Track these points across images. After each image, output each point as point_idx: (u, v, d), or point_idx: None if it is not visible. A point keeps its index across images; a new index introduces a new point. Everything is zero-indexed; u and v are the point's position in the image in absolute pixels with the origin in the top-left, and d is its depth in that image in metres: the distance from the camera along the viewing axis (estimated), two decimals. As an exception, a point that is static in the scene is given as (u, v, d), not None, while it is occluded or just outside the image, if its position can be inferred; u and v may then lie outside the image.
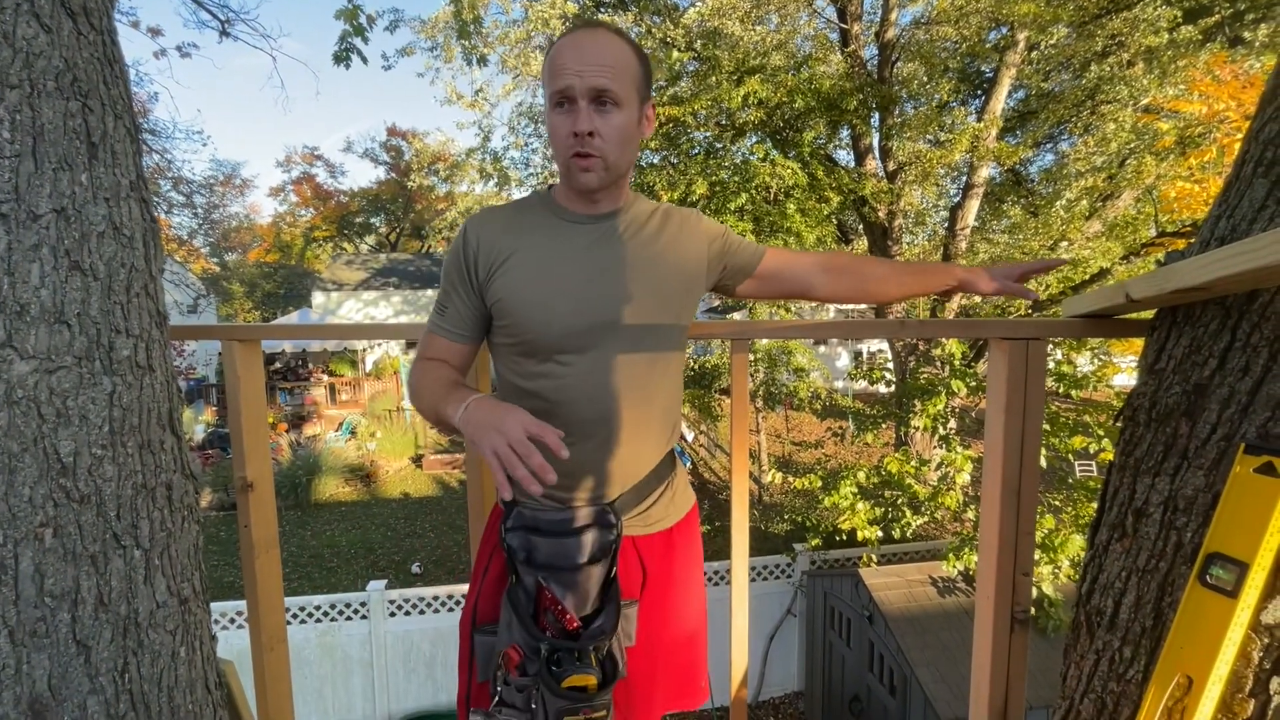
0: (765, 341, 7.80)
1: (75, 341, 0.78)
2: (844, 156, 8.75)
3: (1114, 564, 0.93)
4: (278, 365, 15.50)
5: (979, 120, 7.05)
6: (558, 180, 1.02)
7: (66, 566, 0.77)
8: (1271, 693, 0.73)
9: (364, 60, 3.12)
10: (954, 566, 4.56)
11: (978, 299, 7.93)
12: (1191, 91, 5.88)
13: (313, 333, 4.53)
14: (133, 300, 0.86)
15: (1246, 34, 6.02)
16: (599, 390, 0.96)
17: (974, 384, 5.00)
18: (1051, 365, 4.86)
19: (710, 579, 6.04)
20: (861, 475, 5.39)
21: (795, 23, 7.88)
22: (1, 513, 0.73)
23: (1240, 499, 0.74)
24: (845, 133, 7.93)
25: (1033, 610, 1.18)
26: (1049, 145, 8.89)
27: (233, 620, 5.40)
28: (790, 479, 6.34)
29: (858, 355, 17.74)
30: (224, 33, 5.30)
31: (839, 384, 14.79)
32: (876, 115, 7.27)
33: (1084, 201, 7.31)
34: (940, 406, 5.14)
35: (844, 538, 5.58)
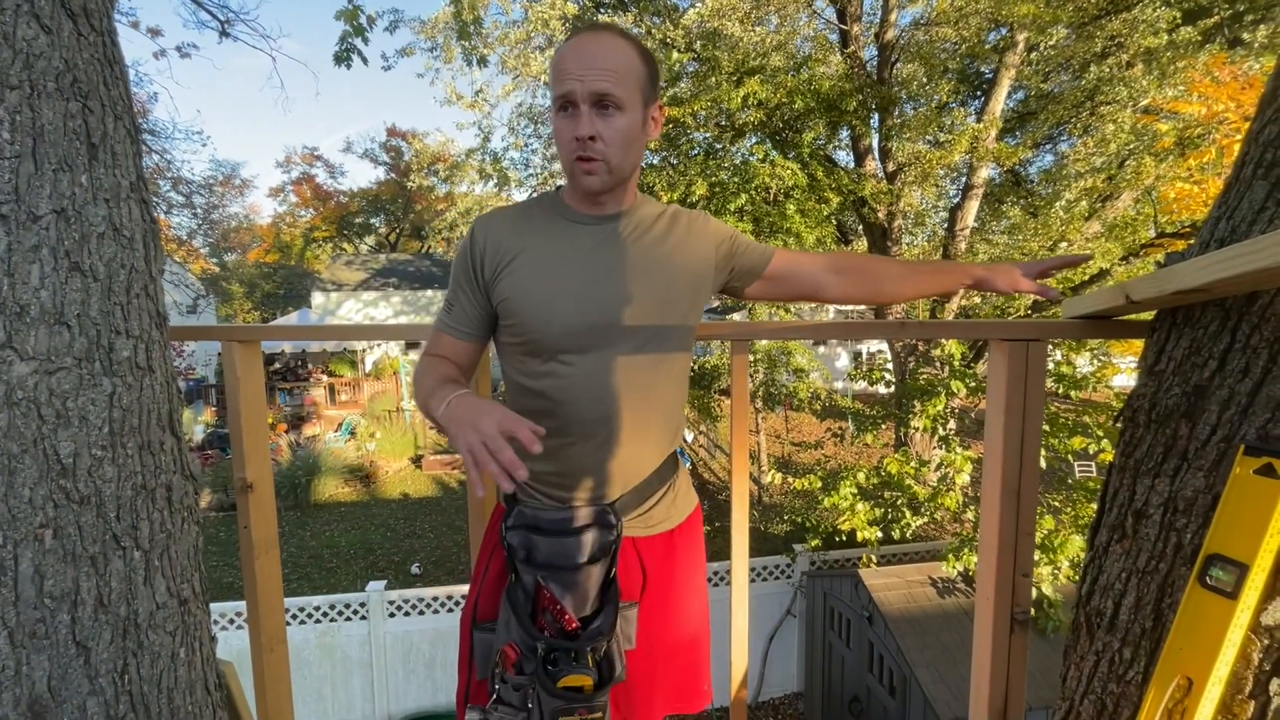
0: (765, 342, 7.81)
1: (75, 343, 0.78)
2: (844, 157, 8.76)
3: (1114, 565, 0.93)
4: (277, 366, 15.51)
5: (978, 121, 7.05)
6: (565, 181, 1.02)
7: (66, 568, 0.77)
8: (1271, 694, 0.73)
9: (364, 61, 3.12)
10: (953, 567, 4.56)
11: (977, 299, 7.93)
12: (1190, 93, 5.89)
13: (312, 334, 4.54)
14: (133, 301, 0.86)
15: (1245, 35, 6.03)
16: (601, 390, 0.96)
17: (973, 385, 5.00)
18: (1051, 366, 4.87)
19: (710, 579, 6.03)
20: (861, 476, 5.39)
21: (795, 24, 7.89)
22: (1, 514, 0.73)
23: (1240, 500, 0.74)
24: (845, 133, 7.94)
25: (1032, 611, 1.18)
26: (1048, 146, 8.90)
27: (232, 621, 5.39)
28: (790, 479, 6.34)
29: (857, 356, 17.76)
30: (224, 33, 5.30)
31: (838, 384, 14.80)
32: (876, 116, 7.27)
33: (1083, 202, 7.31)
34: (940, 407, 5.14)
35: (844, 538, 5.58)
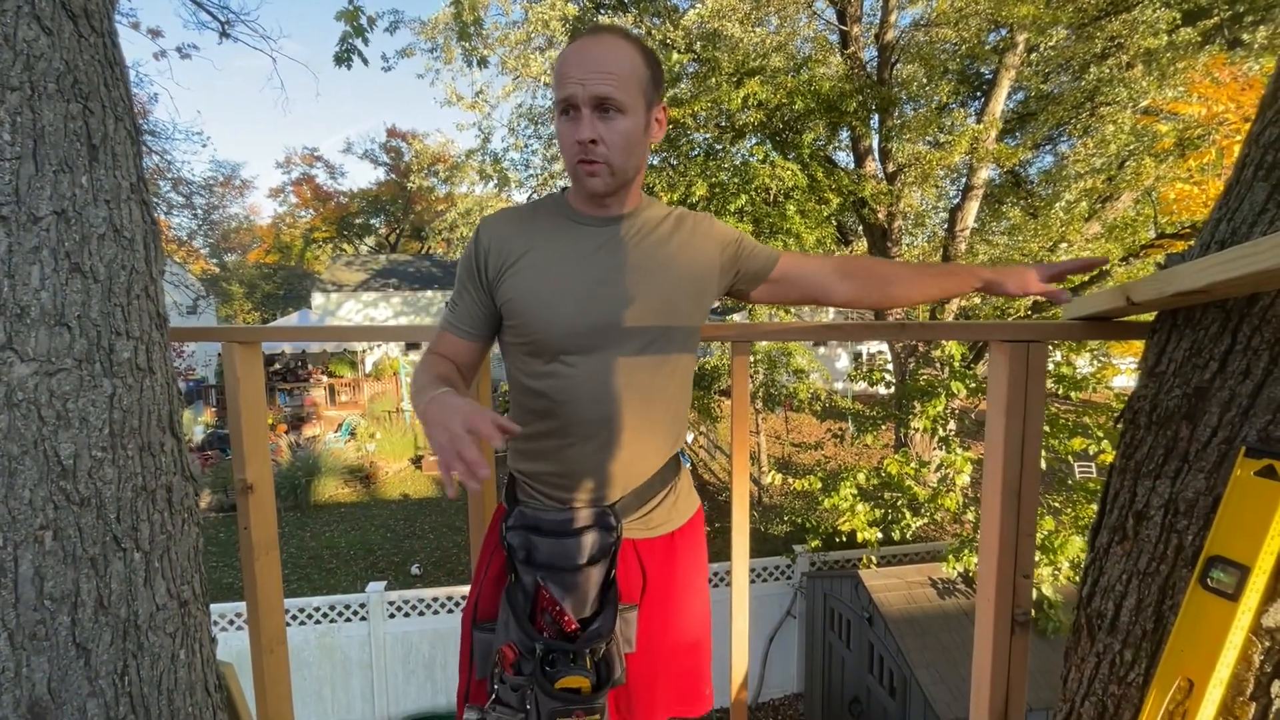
0: (765, 343, 7.81)
1: (75, 344, 0.78)
2: (844, 158, 8.77)
3: (1115, 567, 0.92)
4: (277, 366, 15.51)
5: (978, 122, 7.06)
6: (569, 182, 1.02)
7: (66, 569, 0.77)
8: (1273, 696, 0.73)
9: (364, 61, 3.12)
10: (954, 568, 4.56)
11: (977, 300, 7.94)
12: (1190, 93, 5.90)
13: (312, 334, 4.52)
14: (133, 302, 0.86)
15: (1245, 36, 6.03)
16: (602, 391, 0.96)
17: (974, 385, 4.99)
18: (1051, 367, 4.87)
19: (710, 580, 6.03)
20: (861, 477, 5.39)
21: (795, 24, 7.89)
22: (1, 515, 0.73)
23: (1241, 502, 0.74)
24: (845, 134, 7.95)
25: (1033, 612, 1.18)
26: (1048, 147, 8.90)
27: (232, 622, 5.39)
28: (790, 480, 6.34)
29: (857, 357, 17.76)
30: (224, 34, 5.30)
31: (839, 385, 14.80)
32: (876, 117, 7.28)
33: (1083, 203, 7.31)
34: (940, 408, 5.14)
35: (844, 539, 5.58)
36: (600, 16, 7.62)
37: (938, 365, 6.86)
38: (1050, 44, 6.69)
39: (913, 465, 5.36)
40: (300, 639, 5.62)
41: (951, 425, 5.41)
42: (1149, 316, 1.00)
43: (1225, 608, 0.72)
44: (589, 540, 0.98)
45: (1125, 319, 1.09)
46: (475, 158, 8.06)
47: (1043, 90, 7.65)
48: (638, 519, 1.03)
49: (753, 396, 8.34)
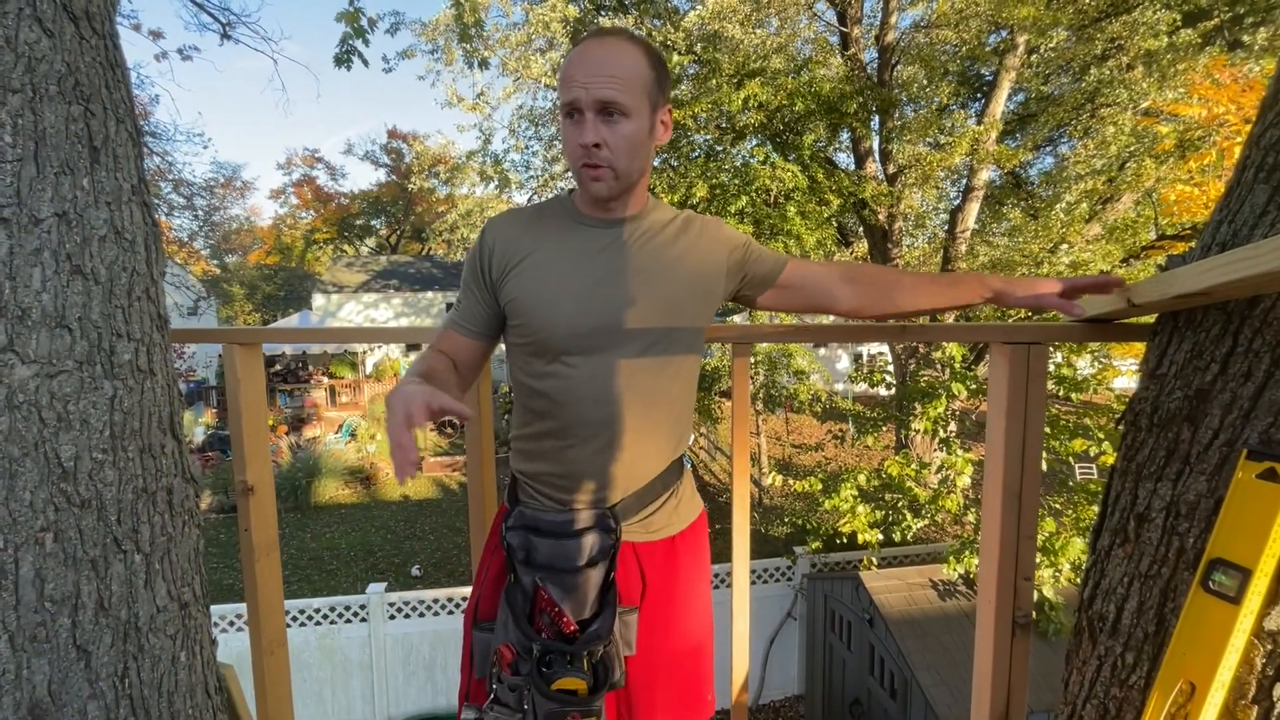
0: (765, 344, 7.81)
1: (76, 346, 0.78)
2: (844, 159, 8.77)
3: (1116, 569, 0.92)
4: (278, 367, 15.53)
5: (979, 123, 7.07)
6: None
7: (67, 571, 0.77)
8: (1275, 699, 0.73)
9: (365, 63, 3.13)
10: (954, 570, 4.56)
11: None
12: (1191, 95, 5.90)
13: (313, 336, 4.50)
14: (134, 304, 0.86)
15: (1245, 38, 6.04)
16: (603, 393, 0.96)
17: (974, 387, 4.99)
18: (1052, 368, 4.86)
19: (710, 582, 6.03)
20: (862, 478, 5.38)
21: (795, 26, 7.91)
22: (2, 517, 0.73)
23: (1242, 505, 0.74)
24: (845, 136, 7.96)
25: (1033, 614, 1.18)
26: (1048, 148, 8.91)
27: (232, 624, 5.39)
28: (790, 482, 6.34)
29: (858, 358, 17.76)
30: (225, 35, 5.31)
31: (839, 387, 14.79)
32: (876, 118, 7.29)
33: (1084, 204, 7.32)
34: (940, 409, 5.13)
35: (844, 541, 5.58)
36: (601, 18, 7.63)
37: (938, 367, 6.85)
38: (1050, 45, 6.70)
39: (913, 467, 5.36)
40: (301, 640, 5.62)
41: (952, 427, 5.40)
42: (1150, 318, 1.00)
43: (1227, 611, 0.72)
44: (589, 542, 0.97)
45: (1126, 321, 1.09)
46: (476, 159, 8.07)
47: (1043, 92, 7.66)
48: (638, 522, 1.03)
49: (753, 398, 8.34)
